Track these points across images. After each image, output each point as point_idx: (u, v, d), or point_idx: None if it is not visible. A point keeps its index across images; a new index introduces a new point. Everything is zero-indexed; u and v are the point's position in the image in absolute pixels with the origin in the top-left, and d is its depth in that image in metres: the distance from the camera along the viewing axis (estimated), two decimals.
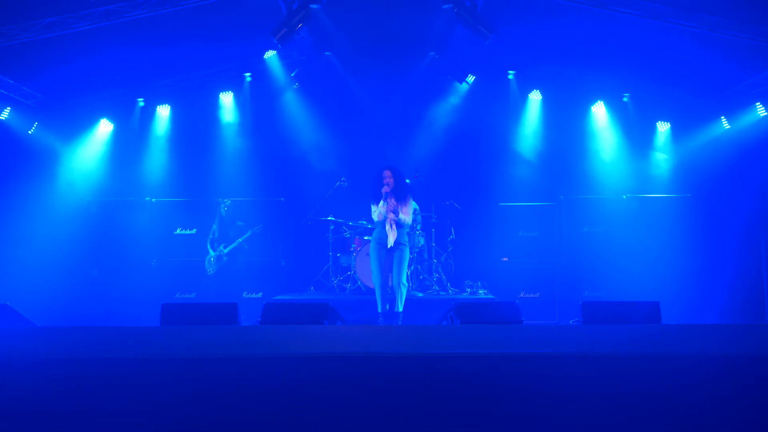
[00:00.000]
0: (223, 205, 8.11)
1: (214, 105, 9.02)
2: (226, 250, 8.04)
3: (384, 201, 6.09)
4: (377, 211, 6.13)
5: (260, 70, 8.78)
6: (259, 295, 8.52)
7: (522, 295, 8.44)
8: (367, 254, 7.01)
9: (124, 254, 8.50)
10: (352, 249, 7.79)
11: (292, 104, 8.99)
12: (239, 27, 7.46)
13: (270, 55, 8.54)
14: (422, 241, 7.78)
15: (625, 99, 8.83)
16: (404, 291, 6.18)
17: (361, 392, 2.14)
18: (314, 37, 7.93)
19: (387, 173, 6.13)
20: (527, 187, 8.77)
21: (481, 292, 7.73)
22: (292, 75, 8.52)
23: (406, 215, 6.17)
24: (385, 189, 6.08)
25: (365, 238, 7.69)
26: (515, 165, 8.91)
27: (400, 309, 6.13)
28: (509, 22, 7.19)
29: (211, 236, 8.16)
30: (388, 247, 6.10)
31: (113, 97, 8.64)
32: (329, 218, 8.04)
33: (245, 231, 8.12)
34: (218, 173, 8.92)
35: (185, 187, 8.83)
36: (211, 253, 8.07)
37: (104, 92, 8.48)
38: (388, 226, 6.07)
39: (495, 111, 8.91)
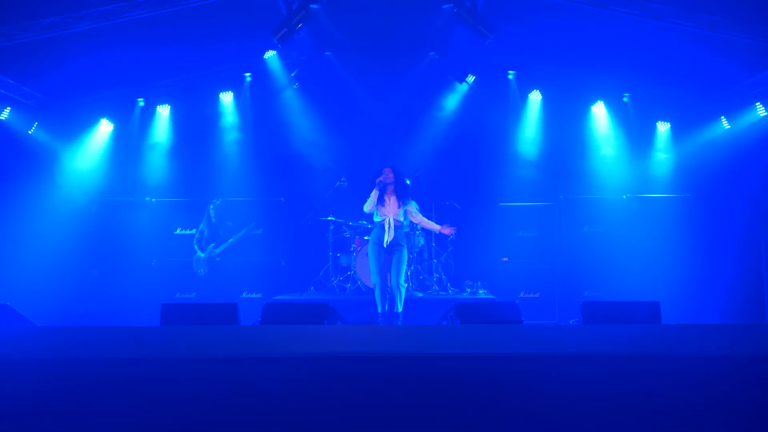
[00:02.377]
0: (212, 205, 8.09)
1: (214, 105, 9.02)
2: (217, 251, 8.02)
3: (379, 190, 6.10)
4: (368, 203, 6.15)
5: (260, 70, 8.78)
6: (259, 295, 8.52)
7: (522, 295, 8.44)
8: (367, 254, 7.01)
9: (124, 254, 8.50)
10: (352, 249, 7.79)
11: (292, 104, 8.99)
12: (239, 27, 7.46)
13: (270, 55, 8.54)
14: (422, 241, 7.78)
15: (625, 99, 8.83)
16: (403, 291, 6.18)
17: (361, 392, 2.14)
18: (314, 37, 7.93)
19: (387, 170, 6.15)
20: (527, 187, 8.77)
21: (481, 292, 7.73)
22: (292, 75, 8.52)
23: (415, 218, 6.23)
24: (380, 178, 6.10)
25: (365, 238, 7.68)
26: (515, 165, 8.92)
27: (400, 309, 6.13)
28: (509, 22, 7.19)
29: (198, 236, 8.15)
30: (385, 246, 6.09)
31: (113, 97, 8.65)
32: (329, 218, 8.04)
33: (236, 231, 8.10)
34: (218, 173, 8.93)
35: (185, 187, 8.83)
36: (199, 253, 8.06)
37: (104, 92, 8.48)
38: (386, 227, 6.08)
39: (495, 111, 8.90)
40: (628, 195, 8.59)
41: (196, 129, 8.97)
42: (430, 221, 6.42)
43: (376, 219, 6.22)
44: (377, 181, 6.12)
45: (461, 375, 2.15)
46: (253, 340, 2.79)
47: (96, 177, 8.72)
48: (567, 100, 8.80)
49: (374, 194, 6.12)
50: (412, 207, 6.28)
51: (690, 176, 8.51)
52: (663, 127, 8.79)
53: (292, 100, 8.97)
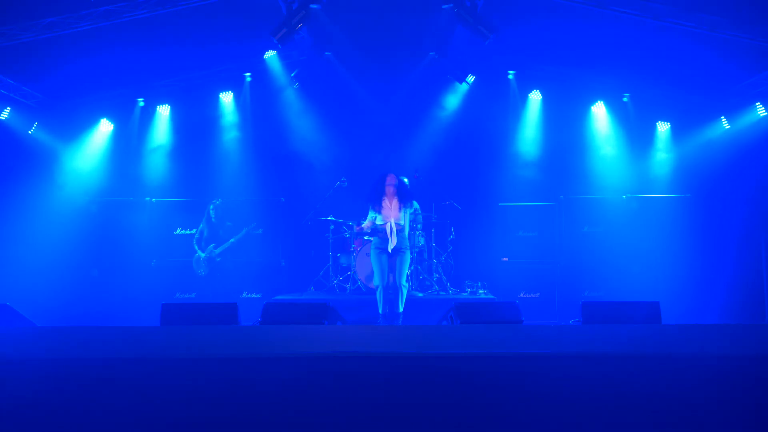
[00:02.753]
0: (211, 205, 8.09)
1: (214, 105, 9.02)
2: (217, 251, 8.01)
3: (377, 212, 6.16)
4: (365, 224, 6.27)
5: (260, 70, 8.78)
6: (259, 295, 8.52)
7: (522, 295, 8.44)
8: (367, 254, 7.03)
9: (124, 254, 8.49)
10: (352, 249, 7.79)
11: (292, 104, 8.99)
12: (239, 27, 7.46)
13: (270, 55, 8.55)
14: (422, 241, 7.78)
15: (625, 99, 8.83)
16: (405, 291, 6.20)
17: (361, 392, 2.14)
18: (314, 37, 7.93)
19: (392, 176, 6.21)
20: (527, 187, 8.77)
21: (481, 292, 7.73)
22: (292, 75, 8.51)
23: (405, 224, 6.25)
24: (374, 225, 6.22)
25: (365, 238, 7.68)
26: (515, 165, 8.92)
27: (401, 309, 6.15)
28: (509, 22, 7.19)
29: (198, 236, 8.15)
30: (389, 251, 6.12)
31: (113, 97, 8.65)
32: (329, 218, 8.04)
33: (236, 231, 8.10)
34: (218, 173, 8.93)
35: (185, 187, 8.83)
36: (199, 253, 8.05)
37: (104, 92, 8.49)
38: (389, 231, 6.10)
39: (495, 111, 8.91)
40: (628, 195, 8.59)
41: (196, 129, 8.97)
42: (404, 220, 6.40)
43: (378, 222, 6.24)
44: (373, 222, 6.26)
45: (461, 375, 2.15)
46: (253, 340, 2.79)
47: (96, 177, 8.72)
48: (567, 100, 8.80)
49: (369, 220, 6.29)
50: (409, 210, 6.31)
51: (690, 176, 8.51)
52: (663, 127, 8.79)
53: (292, 100, 8.97)
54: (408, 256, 6.24)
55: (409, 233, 6.35)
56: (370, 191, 6.29)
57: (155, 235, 8.62)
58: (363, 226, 6.36)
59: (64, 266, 8.09)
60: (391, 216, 6.15)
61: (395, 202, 6.20)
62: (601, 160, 8.87)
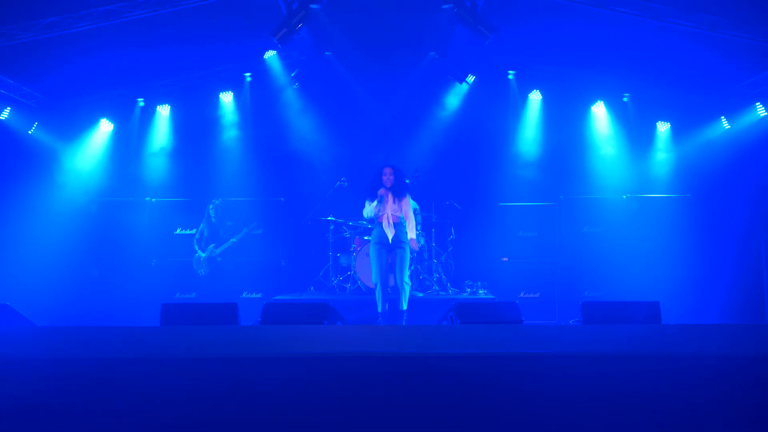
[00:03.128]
0: (211, 205, 8.09)
1: (214, 105, 9.02)
2: (218, 251, 8.02)
3: (378, 202, 6.10)
4: (368, 209, 6.16)
5: (260, 70, 8.78)
6: (259, 295, 8.52)
7: (522, 295, 8.44)
8: (367, 254, 7.01)
9: (124, 254, 8.49)
10: (352, 249, 7.79)
11: (292, 104, 8.99)
12: (239, 27, 7.47)
13: (270, 55, 8.55)
14: (422, 241, 7.78)
15: (625, 99, 8.83)
16: (407, 289, 6.17)
17: (361, 392, 2.14)
18: (314, 37, 7.93)
19: (388, 170, 6.16)
20: (527, 187, 8.77)
21: (481, 292, 7.73)
22: (292, 75, 8.51)
23: (406, 215, 6.18)
24: (381, 192, 6.10)
25: (365, 238, 7.69)
26: (515, 165, 8.92)
27: (404, 307, 6.12)
28: (509, 22, 7.19)
29: (198, 236, 8.15)
30: (390, 242, 6.09)
31: (113, 97, 8.66)
32: (329, 218, 8.04)
33: (236, 231, 8.10)
34: (218, 173, 8.93)
35: (185, 187, 8.83)
36: (200, 253, 8.06)
37: (104, 92, 8.49)
38: (386, 223, 6.08)
39: (495, 111, 8.91)
40: (628, 195, 8.59)
41: (196, 129, 8.97)
42: (413, 229, 6.25)
43: (366, 217, 6.24)
44: (380, 194, 6.10)
45: (461, 375, 2.15)
46: (253, 340, 2.79)
47: (96, 177, 8.73)
48: (567, 100, 8.80)
49: (374, 205, 6.12)
50: (407, 203, 6.25)
51: (690, 176, 8.51)
52: (663, 127, 8.80)
53: (292, 100, 8.97)
54: (408, 253, 6.20)
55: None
56: (369, 184, 6.27)
57: (155, 235, 8.62)
58: (365, 215, 6.28)
59: (64, 266, 8.09)
60: (387, 208, 6.14)
61: (390, 195, 6.18)
62: (601, 160, 8.87)
